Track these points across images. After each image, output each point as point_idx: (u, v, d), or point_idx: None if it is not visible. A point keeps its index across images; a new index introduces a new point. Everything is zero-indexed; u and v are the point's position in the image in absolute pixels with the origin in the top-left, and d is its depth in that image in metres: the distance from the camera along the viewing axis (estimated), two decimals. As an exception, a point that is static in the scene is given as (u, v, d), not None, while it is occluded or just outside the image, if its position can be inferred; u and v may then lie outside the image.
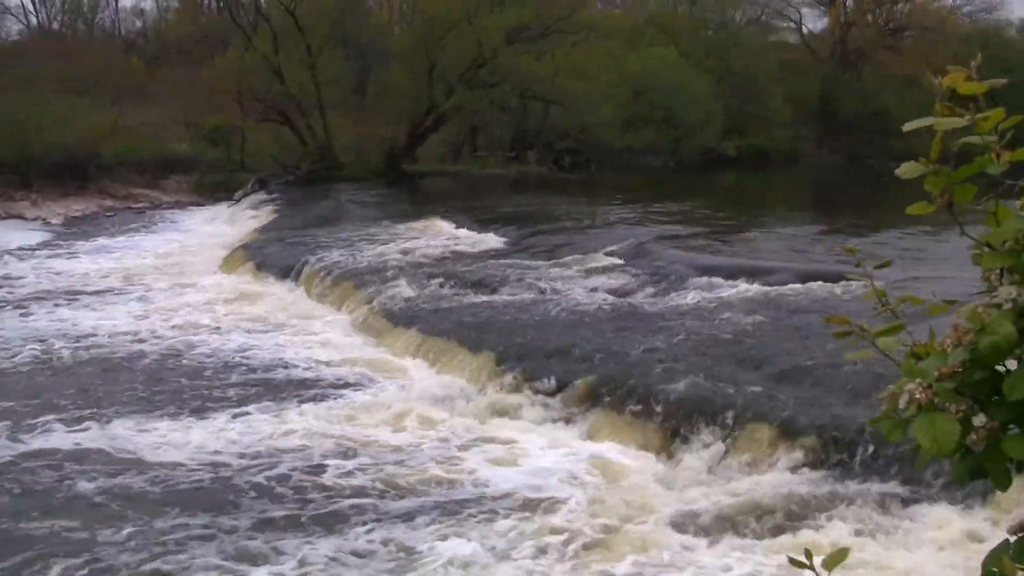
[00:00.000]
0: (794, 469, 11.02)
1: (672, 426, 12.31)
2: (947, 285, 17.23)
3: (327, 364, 16.91)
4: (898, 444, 7.94)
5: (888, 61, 74.28)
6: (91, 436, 13.14)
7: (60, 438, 13.12)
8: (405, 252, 25.48)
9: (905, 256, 23.42)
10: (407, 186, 46.56)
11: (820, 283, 18.75)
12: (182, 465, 12.12)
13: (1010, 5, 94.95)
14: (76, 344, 18.35)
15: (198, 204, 44.22)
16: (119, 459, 12.32)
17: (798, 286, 18.83)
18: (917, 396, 2.16)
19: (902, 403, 2.24)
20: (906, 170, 2.35)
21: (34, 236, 34.53)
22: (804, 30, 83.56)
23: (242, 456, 12.38)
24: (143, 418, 13.93)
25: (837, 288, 18.39)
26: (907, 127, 2.41)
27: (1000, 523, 9.17)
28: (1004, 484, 2.16)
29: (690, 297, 18.78)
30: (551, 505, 10.77)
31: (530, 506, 10.79)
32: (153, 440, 12.97)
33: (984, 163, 2.23)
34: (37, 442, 12.95)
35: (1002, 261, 2.20)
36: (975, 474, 2.17)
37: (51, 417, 13.91)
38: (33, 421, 13.78)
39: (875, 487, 10.28)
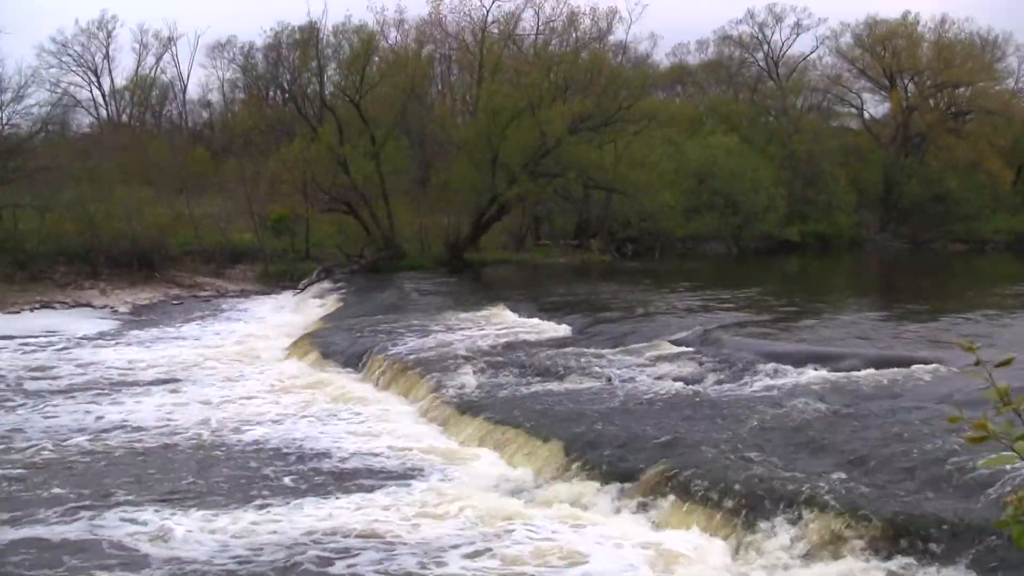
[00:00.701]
0: (868, 558, 10.83)
1: (743, 515, 12.12)
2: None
3: (392, 453, 16.77)
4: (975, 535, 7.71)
5: (951, 145, 73.96)
6: (124, 525, 13.10)
7: (85, 527, 13.12)
8: (470, 340, 25.45)
9: (974, 341, 23.15)
10: (470, 275, 46.74)
11: (888, 369, 18.64)
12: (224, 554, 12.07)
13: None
14: (132, 433, 18.44)
15: (263, 293, 44.56)
16: (163, 550, 12.26)
17: (866, 372, 18.71)
18: None
19: None
20: None
21: (101, 324, 34.86)
22: (866, 115, 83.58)
23: (292, 547, 12.23)
24: (199, 507, 13.87)
25: (904, 373, 18.28)
26: None
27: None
28: None
29: (758, 384, 18.63)
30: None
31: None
32: (210, 529, 12.92)
33: None
34: (64, 531, 12.93)
35: None
36: None
37: (86, 504, 13.97)
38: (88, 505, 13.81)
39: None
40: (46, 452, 17.11)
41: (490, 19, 62.06)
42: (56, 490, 14.80)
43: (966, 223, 71.70)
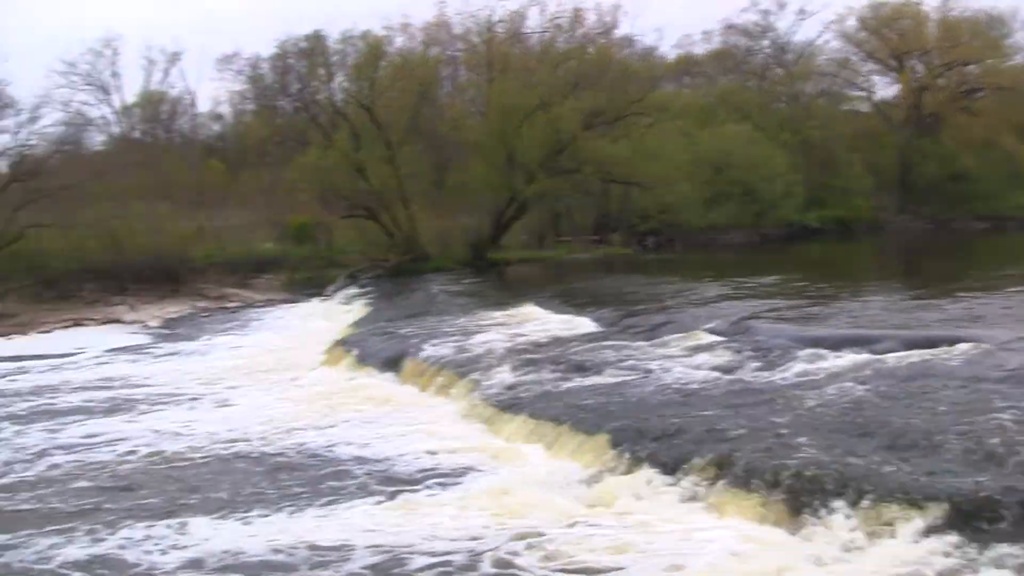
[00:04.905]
0: (927, 538, 10.82)
1: (798, 501, 12.07)
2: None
3: (436, 454, 16.82)
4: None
5: (965, 123, 73.89)
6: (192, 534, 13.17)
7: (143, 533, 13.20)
8: (502, 339, 25.53)
9: (1008, 316, 23.31)
10: (495, 274, 46.91)
11: (928, 349, 18.69)
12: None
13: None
14: (178, 443, 18.64)
15: (290, 301, 44.76)
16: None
17: (905, 353, 18.72)
18: None
19: None
20: None
21: (136, 339, 35.08)
22: (876, 97, 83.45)
23: (349, 549, 12.26)
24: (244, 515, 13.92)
25: (942, 352, 18.33)
26: None
27: None
28: None
29: (797, 370, 18.64)
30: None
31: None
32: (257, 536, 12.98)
33: None
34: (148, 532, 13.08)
35: None
36: None
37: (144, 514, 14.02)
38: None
39: (1018, 553, 10.13)
40: (133, 461, 17.48)
41: (495, 19, 62.04)
42: (144, 497, 15.00)
43: (985, 201, 71.58)
